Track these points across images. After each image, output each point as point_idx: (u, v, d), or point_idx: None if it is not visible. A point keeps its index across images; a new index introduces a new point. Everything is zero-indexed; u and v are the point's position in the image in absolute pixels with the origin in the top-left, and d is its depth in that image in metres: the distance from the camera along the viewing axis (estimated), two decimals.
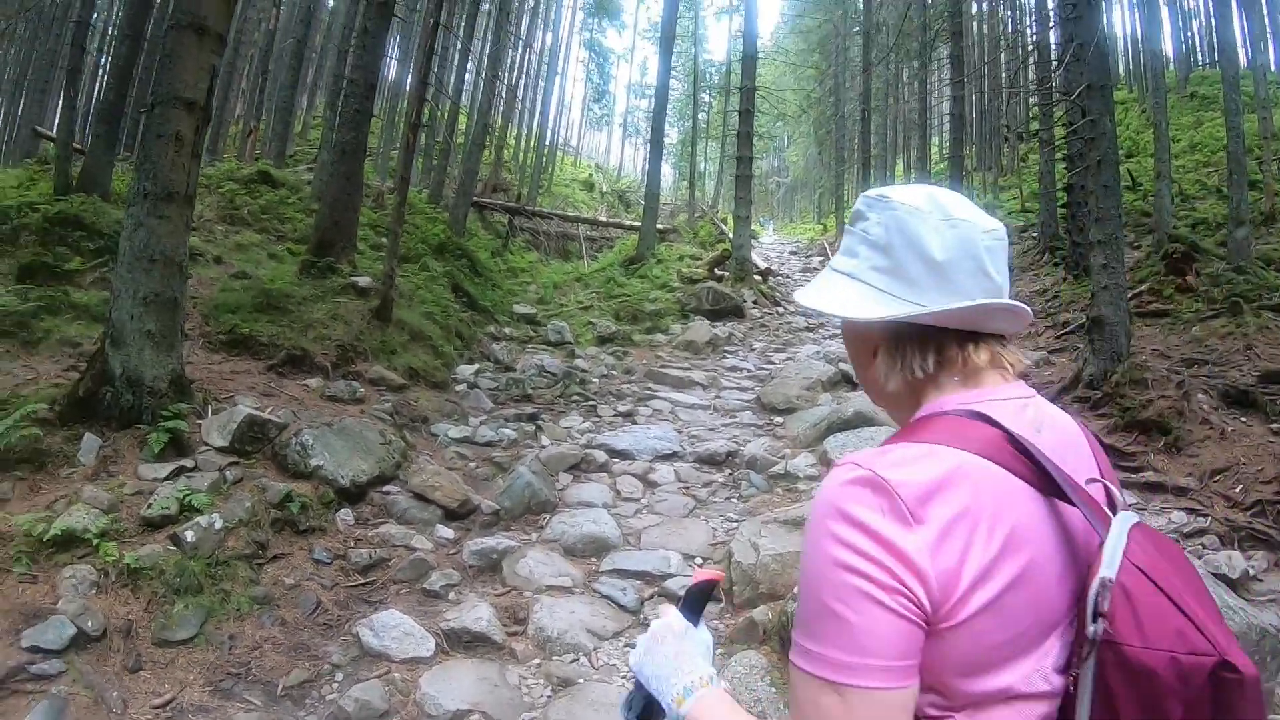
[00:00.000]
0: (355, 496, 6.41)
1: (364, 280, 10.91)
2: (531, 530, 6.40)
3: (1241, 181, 16.20)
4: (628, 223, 29.00)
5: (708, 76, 56.23)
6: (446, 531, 6.25)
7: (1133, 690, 1.00)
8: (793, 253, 36.59)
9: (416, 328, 10.80)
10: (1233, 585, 6.63)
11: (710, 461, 8.18)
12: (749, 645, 4.55)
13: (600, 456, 8.04)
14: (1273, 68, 33.19)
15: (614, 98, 70.35)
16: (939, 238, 1.25)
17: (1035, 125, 26.61)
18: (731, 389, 11.55)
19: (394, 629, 4.69)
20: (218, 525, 5.22)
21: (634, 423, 9.52)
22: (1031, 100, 32.16)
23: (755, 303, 19.30)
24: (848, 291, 1.31)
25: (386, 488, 6.68)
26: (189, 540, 5.02)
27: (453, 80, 26.55)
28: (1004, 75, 35.11)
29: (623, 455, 8.10)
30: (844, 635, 1.04)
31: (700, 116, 51.73)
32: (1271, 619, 6.24)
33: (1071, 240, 18.68)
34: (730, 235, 24.60)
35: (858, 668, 1.03)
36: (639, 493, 7.25)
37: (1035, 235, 23.51)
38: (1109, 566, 1.04)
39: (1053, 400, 10.02)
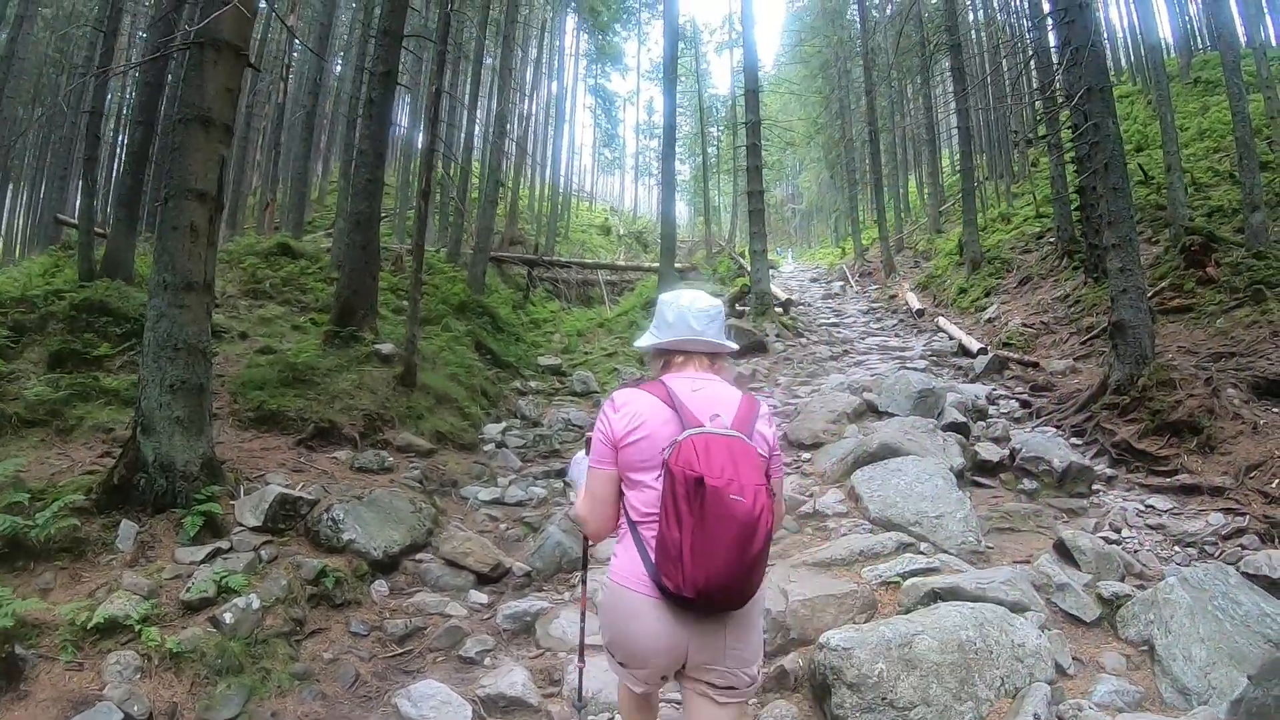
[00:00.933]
0: (388, 567, 6.51)
1: (387, 348, 11.06)
2: (564, 589, 6.44)
3: (1252, 165, 16.18)
4: (647, 264, 29.22)
5: (714, 111, 56.64)
6: (480, 596, 6.33)
7: (673, 484, 2.54)
8: (813, 280, 36.64)
9: (441, 391, 10.91)
10: (1274, 585, 6.49)
11: None
12: (780, 694, 4.57)
13: None
14: (1274, 44, 32.97)
15: (623, 141, 70.89)
16: (671, 312, 3.05)
17: (1042, 130, 26.64)
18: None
19: (431, 698, 4.74)
20: (255, 605, 5.35)
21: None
22: (1037, 105, 32.14)
23: (778, 336, 19.29)
24: (645, 335, 3.15)
25: (419, 556, 6.78)
26: (228, 622, 5.15)
27: (462, 138, 26.80)
28: (1006, 82, 35.12)
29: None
30: (594, 451, 2.91)
31: (710, 151, 52.15)
32: None
33: (1089, 243, 18.60)
34: (749, 269, 24.72)
35: (595, 461, 2.89)
36: None
37: (1053, 240, 23.35)
38: (675, 442, 2.64)
39: (1080, 409, 9.85)
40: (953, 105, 39.49)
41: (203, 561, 5.80)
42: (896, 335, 21.32)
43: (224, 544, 6.11)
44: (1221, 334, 13.50)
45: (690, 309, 3.01)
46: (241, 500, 6.68)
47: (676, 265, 24.97)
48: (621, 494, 2.88)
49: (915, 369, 14.46)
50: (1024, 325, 17.93)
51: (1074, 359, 15.10)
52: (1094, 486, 9.21)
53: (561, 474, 9.41)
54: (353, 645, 5.57)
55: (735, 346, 3.26)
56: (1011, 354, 16.02)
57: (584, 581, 4.11)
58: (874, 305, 27.19)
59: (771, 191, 69.50)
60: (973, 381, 14.56)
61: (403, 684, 5.10)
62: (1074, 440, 10.95)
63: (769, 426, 2.95)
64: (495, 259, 23.92)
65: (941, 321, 20.73)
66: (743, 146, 22.55)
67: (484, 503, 8.39)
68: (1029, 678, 4.29)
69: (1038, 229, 25.72)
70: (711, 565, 2.53)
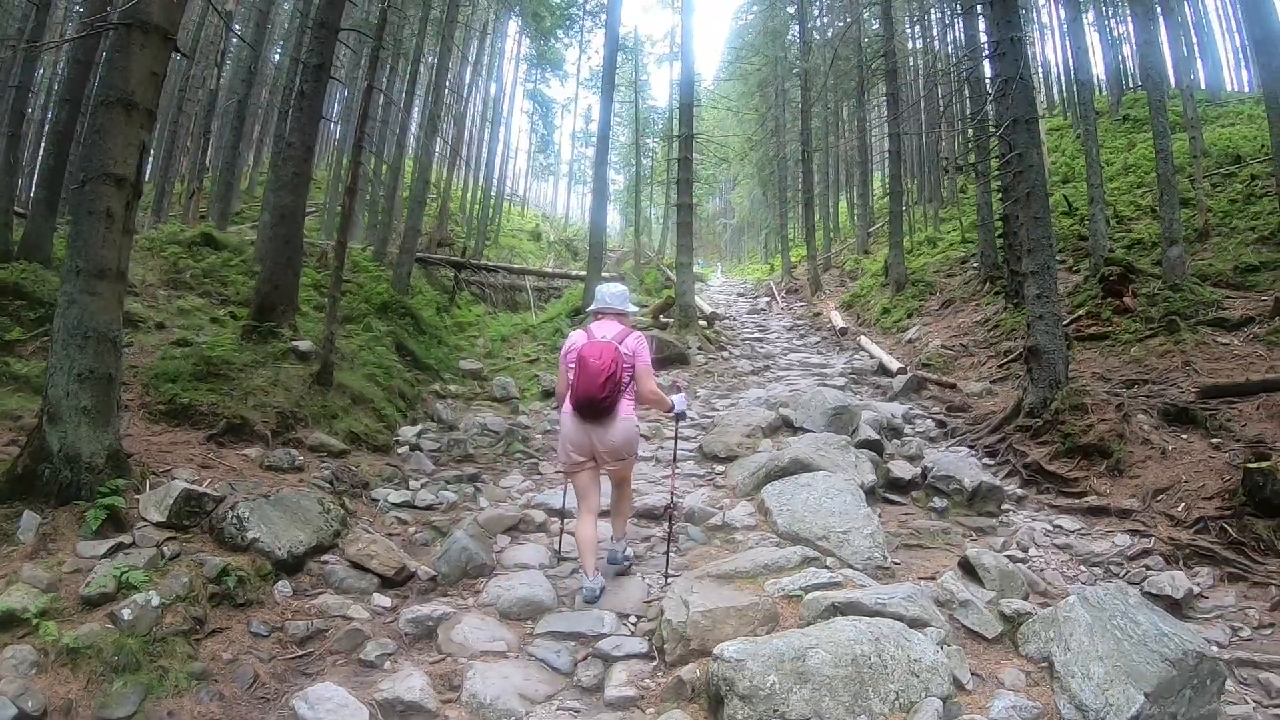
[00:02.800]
0: (293, 567, 6.32)
1: (305, 345, 10.83)
2: (468, 595, 6.29)
3: (1172, 201, 16.56)
4: (574, 272, 29.10)
5: (651, 123, 56.81)
6: (384, 600, 6.16)
7: (577, 360, 6.01)
8: (740, 294, 36.92)
9: (358, 391, 10.70)
10: (1176, 606, 6.74)
11: (649, 516, 8.15)
12: (677, 705, 4.51)
13: (539, 516, 8.01)
14: (1201, 87, 33.93)
15: (558, 147, 70.90)
16: (598, 293, 6.53)
17: (971, 158, 27.15)
18: (673, 438, 11.50)
19: (328, 701, 4.59)
20: (155, 602, 5.16)
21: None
22: (968, 133, 32.69)
23: (700, 349, 19.32)
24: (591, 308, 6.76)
25: (325, 557, 6.60)
26: (126, 618, 4.96)
27: (394, 137, 26.50)
28: (939, 110, 35.64)
29: (561, 514, 7.85)
30: (560, 357, 6.37)
31: (645, 163, 52.34)
32: (1218, 636, 6.36)
33: (1010, 270, 18.91)
34: (675, 281, 24.71)
35: (561, 360, 6.32)
36: (576, 552, 7.18)
37: (975, 266, 23.76)
38: (576, 348, 6.09)
39: (994, 430, 10.02)
40: (886, 129, 40.25)
41: (104, 556, 5.60)
42: (819, 352, 21.48)
43: (126, 539, 5.90)
44: (1135, 361, 13.77)
45: (605, 291, 6.53)
46: (146, 495, 6.45)
47: (604, 275, 24.89)
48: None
49: (834, 386, 14.56)
50: (944, 347, 18.16)
51: (991, 381, 15.31)
52: (1004, 506, 9.32)
53: (474, 478, 9.38)
54: (253, 646, 5.40)
55: (633, 309, 6.62)
56: (930, 375, 16.18)
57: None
58: (799, 322, 27.41)
59: (704, 205, 70.05)
60: (890, 400, 14.70)
61: (301, 686, 4.94)
62: (986, 460, 11.11)
63: (636, 342, 6.25)
64: (422, 260, 23.66)
65: (863, 340, 20.94)
66: (676, 159, 22.51)
67: (394, 505, 8.20)
68: (924, 692, 4.27)
69: (962, 254, 26.24)
70: (585, 391, 5.94)
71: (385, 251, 21.33)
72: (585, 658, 5.27)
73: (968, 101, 26.55)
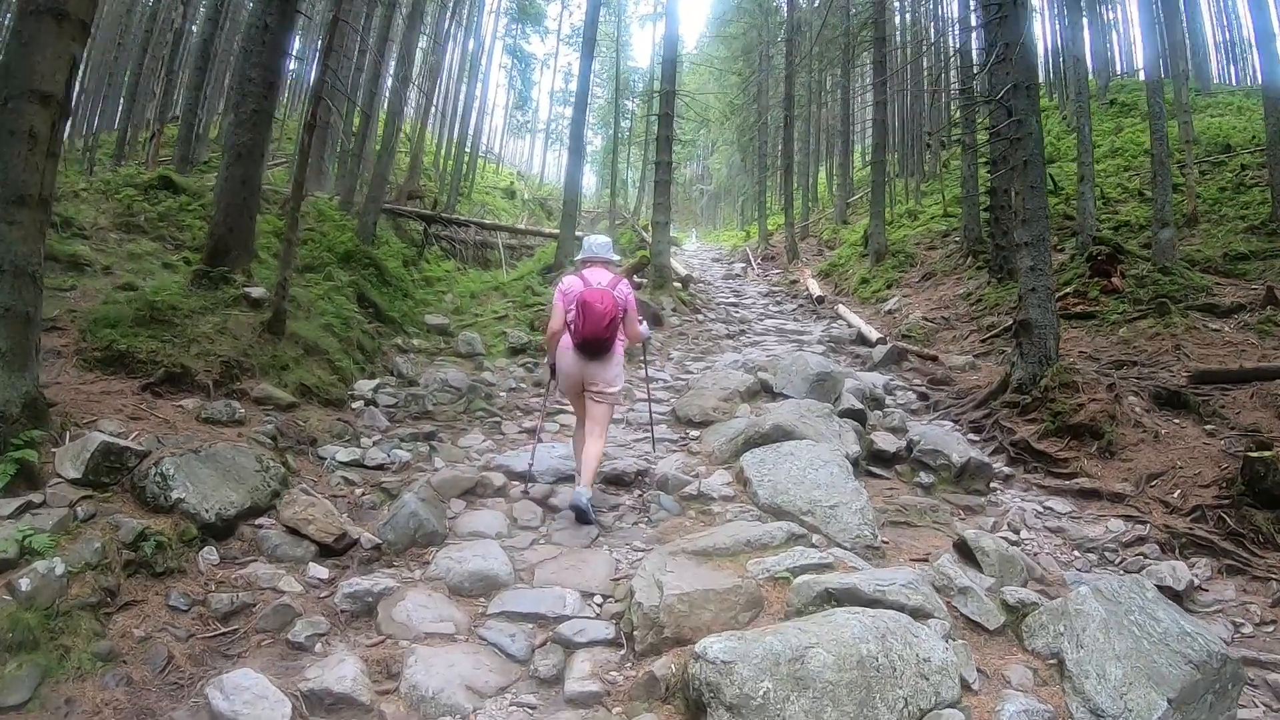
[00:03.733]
0: (222, 532, 5.67)
1: (258, 291, 10.13)
2: (416, 566, 5.64)
3: (1165, 183, 16.31)
4: (548, 230, 28.41)
5: (631, 84, 56.04)
6: (320, 571, 5.50)
7: (577, 304, 6.69)
8: (715, 260, 36.50)
9: (312, 341, 10.03)
10: (1177, 598, 6.34)
11: (618, 482, 7.56)
12: (648, 705, 3.91)
13: (498, 479, 7.32)
14: (1191, 77, 33.74)
15: (536, 104, 69.94)
16: (585, 244, 7.36)
17: (957, 131, 26.82)
18: (646, 401, 10.94)
19: (246, 690, 3.95)
20: (59, 571, 4.48)
21: (539, 439, 8.89)
22: (954, 105, 32.22)
23: (674, 310, 18.75)
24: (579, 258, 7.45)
25: (259, 521, 5.95)
26: (24, 589, 4.28)
27: (364, 82, 25.62)
28: (926, 79, 35.15)
29: (522, 477, 7.36)
30: (556, 298, 7.01)
31: (624, 124, 51.59)
32: (1220, 632, 5.93)
33: (995, 244, 18.53)
34: (650, 241, 24.18)
35: (556, 302, 6.98)
36: (537, 520, 6.55)
37: (958, 240, 23.41)
38: (576, 292, 6.78)
39: (980, 405, 10.42)
40: (870, 99, 39.85)
41: (10, 516, 4.92)
42: (795, 319, 21.03)
43: (37, 497, 5.21)
44: (1124, 343, 13.53)
45: (592, 242, 7.28)
46: (64, 448, 5.79)
47: (579, 233, 24.29)
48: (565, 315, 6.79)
49: (814, 352, 14.04)
50: (925, 319, 17.73)
51: (974, 355, 14.90)
52: (992, 484, 8.91)
53: (430, 436, 8.78)
54: (169, 622, 4.76)
55: (617, 258, 7.42)
56: (910, 346, 15.73)
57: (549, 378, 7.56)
58: (774, 289, 26.92)
59: (681, 170, 69.39)
60: (870, 370, 14.23)
61: (220, 669, 4.34)
62: (972, 436, 10.71)
63: (626, 288, 6.97)
64: (391, 212, 22.91)
65: (841, 309, 20.43)
66: (657, 115, 21.79)
67: (342, 464, 7.53)
68: (935, 698, 3.74)
69: (944, 228, 25.92)
70: (590, 332, 6.57)
71: (352, 201, 20.49)
72: (544, 643, 4.63)
73: (955, 72, 26.18)
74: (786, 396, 9.99)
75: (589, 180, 65.79)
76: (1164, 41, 23.26)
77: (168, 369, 7.90)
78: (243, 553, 5.64)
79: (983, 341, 15.80)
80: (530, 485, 7.25)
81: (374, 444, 8.25)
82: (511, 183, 53.86)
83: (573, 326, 6.72)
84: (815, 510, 6.25)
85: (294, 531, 5.78)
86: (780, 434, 7.66)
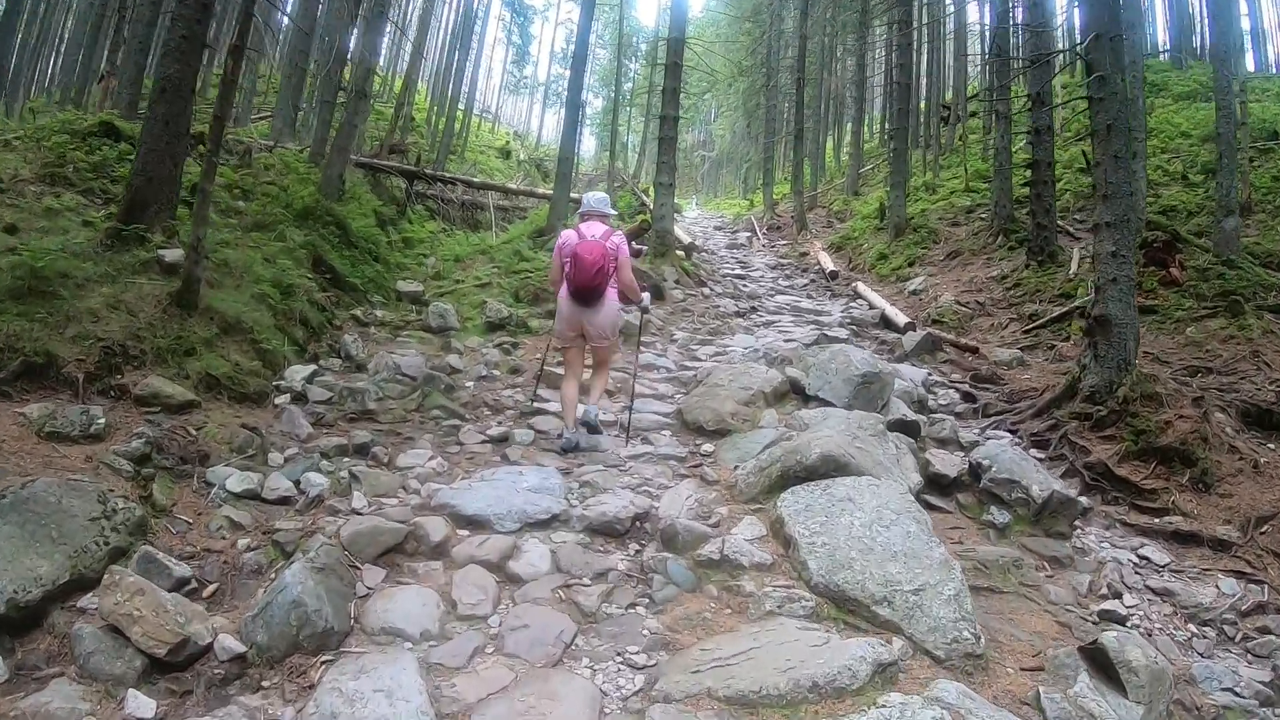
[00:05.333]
0: (21, 625, 3.76)
1: (172, 254, 8.13)
2: (294, 694, 3.57)
3: (1231, 167, 14.55)
4: (541, 191, 26.37)
5: (635, 44, 54.07)
6: (143, 704, 3.40)
7: (571, 256, 7.26)
8: (718, 228, 34.87)
9: (234, 316, 8.04)
10: None
11: (608, 532, 5.43)
12: None
13: (438, 529, 5.14)
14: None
15: (535, 60, 67.85)
16: (585, 199, 7.93)
17: (976, 102, 25.16)
18: (646, 396, 9.04)
19: None
20: None
21: (505, 456, 6.85)
22: (977, 72, 30.38)
23: (678, 282, 16.78)
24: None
25: (85, 601, 4.03)
26: None
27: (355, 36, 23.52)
28: (950, 44, 33.28)
29: (474, 523, 5.35)
30: (555, 251, 7.65)
31: (625, 86, 49.87)
32: None
33: (1036, 223, 16.64)
34: (650, 205, 22.26)
35: (554, 257, 7.64)
36: (487, 603, 4.36)
37: (985, 216, 21.61)
38: (571, 245, 7.35)
39: (1040, 414, 9.63)
40: (881, 67, 38.15)
41: None
42: (809, 296, 19.20)
43: None
44: (1194, 345, 11.84)
45: (590, 197, 7.93)
46: None
47: (574, 195, 22.33)
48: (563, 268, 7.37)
49: (841, 339, 12.35)
50: (958, 303, 15.80)
51: (1019, 349, 13.01)
52: (1074, 524, 7.13)
53: (363, 450, 6.68)
54: None
55: (612, 212, 8.02)
56: (944, 334, 13.84)
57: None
58: (783, 261, 25.14)
59: (683, 136, 67.43)
60: (899, 361, 12.37)
61: None
62: (1036, 454, 8.88)
63: (619, 239, 7.50)
64: (369, 166, 20.85)
65: (860, 287, 18.56)
66: (662, 65, 19.72)
67: (232, 495, 5.41)
68: None
69: (968, 202, 24.08)
70: (580, 280, 7.16)
71: (323, 153, 18.41)
72: None
73: (989, 34, 24.36)
74: (823, 401, 8.16)
75: (587, 143, 64.59)
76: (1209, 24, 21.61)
77: (26, 359, 6.00)
78: (48, 658, 3.70)
79: (1025, 332, 13.95)
80: (484, 539, 5.19)
81: (285, 462, 6.24)
82: (507, 142, 51.88)
83: (568, 277, 7.33)
84: (893, 598, 4.32)
85: (116, 631, 3.76)
86: (830, 467, 5.70)
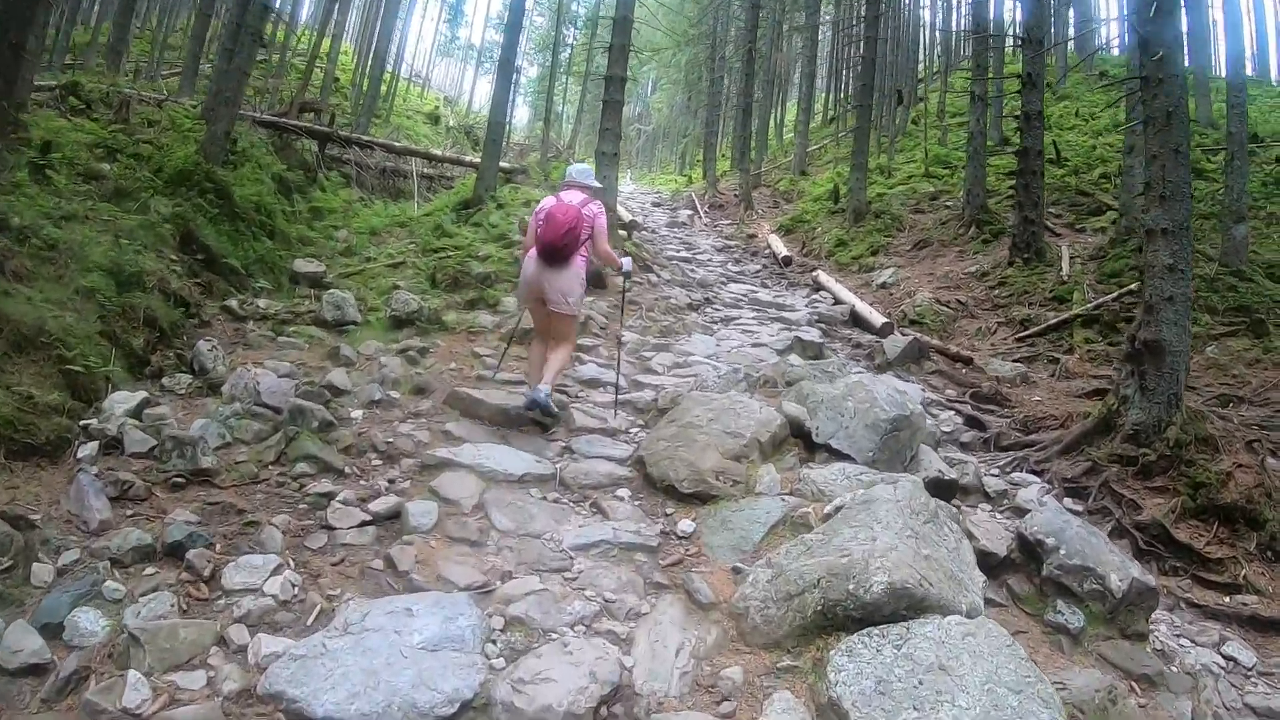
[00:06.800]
0: None
1: None
2: None
3: (1243, 168, 13.11)
4: (469, 159, 24.07)
5: (573, 9, 51.90)
6: None
7: (544, 216, 7.13)
8: (656, 204, 33.09)
9: (33, 326, 5.73)
10: None
11: None
12: None
13: None
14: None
15: (470, 22, 65.33)
16: (568, 171, 7.82)
17: (937, 85, 23.76)
18: (590, 431, 7.11)
19: None
20: None
21: (392, 563, 4.47)
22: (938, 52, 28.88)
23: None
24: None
25: None
26: None
27: None
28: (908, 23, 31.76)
29: None
30: (533, 216, 7.47)
31: (563, 55, 48.55)
32: None
33: (1022, 216, 14.93)
34: None
35: (532, 220, 7.43)
36: None
37: (952, 204, 20.23)
38: (547, 208, 7.21)
39: (1069, 450, 7.99)
40: (829, 44, 36.79)
41: None
42: (765, 285, 17.51)
43: None
44: (1217, 368, 10.52)
45: (573, 169, 7.77)
46: None
47: (504, 164, 20.22)
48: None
49: (817, 342, 10.45)
50: (938, 302, 13.99)
51: (1016, 361, 11.38)
52: (1151, 618, 5.44)
53: (177, 552, 4.22)
54: None
55: (596, 184, 7.81)
56: (926, 337, 12.13)
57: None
58: (729, 243, 23.35)
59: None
60: (880, 370, 10.62)
61: None
62: (1070, 502, 7.25)
63: (596, 208, 7.29)
64: (276, 126, 18.40)
65: (822, 277, 16.67)
66: (612, 20, 17.58)
67: None
68: None
69: (931, 188, 22.59)
70: (546, 238, 6.92)
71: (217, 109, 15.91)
72: None
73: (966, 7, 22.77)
74: (836, 453, 6.18)
75: (522, 113, 62.97)
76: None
77: None
78: None
79: (1019, 340, 12.28)
80: None
81: (56, 579, 3.98)
82: (436, 107, 49.18)
83: (538, 236, 7.16)
84: None
85: None
86: (901, 603, 3.70)
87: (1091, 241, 15.67)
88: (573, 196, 7.23)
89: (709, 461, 5.77)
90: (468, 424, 6.78)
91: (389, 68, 37.68)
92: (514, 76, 20.67)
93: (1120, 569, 5.19)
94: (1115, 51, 35.20)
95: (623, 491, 5.84)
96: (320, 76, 30.94)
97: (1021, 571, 5.48)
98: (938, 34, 35.88)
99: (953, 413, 9.36)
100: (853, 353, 11.70)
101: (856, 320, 13.47)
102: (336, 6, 36.27)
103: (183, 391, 6.54)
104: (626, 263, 7.88)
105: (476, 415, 6.88)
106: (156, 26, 30.14)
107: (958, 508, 5.91)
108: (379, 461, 5.92)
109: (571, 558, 4.76)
